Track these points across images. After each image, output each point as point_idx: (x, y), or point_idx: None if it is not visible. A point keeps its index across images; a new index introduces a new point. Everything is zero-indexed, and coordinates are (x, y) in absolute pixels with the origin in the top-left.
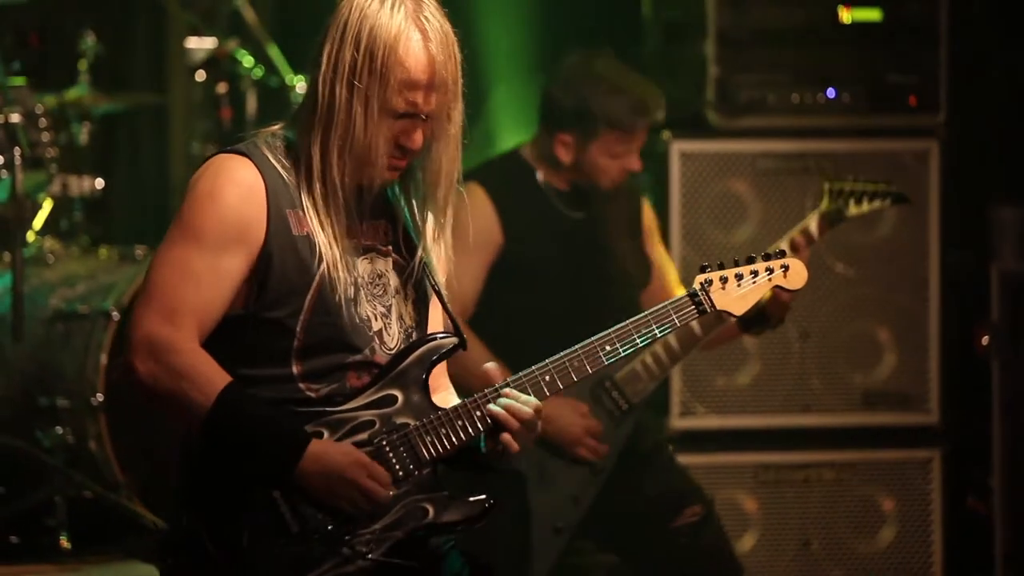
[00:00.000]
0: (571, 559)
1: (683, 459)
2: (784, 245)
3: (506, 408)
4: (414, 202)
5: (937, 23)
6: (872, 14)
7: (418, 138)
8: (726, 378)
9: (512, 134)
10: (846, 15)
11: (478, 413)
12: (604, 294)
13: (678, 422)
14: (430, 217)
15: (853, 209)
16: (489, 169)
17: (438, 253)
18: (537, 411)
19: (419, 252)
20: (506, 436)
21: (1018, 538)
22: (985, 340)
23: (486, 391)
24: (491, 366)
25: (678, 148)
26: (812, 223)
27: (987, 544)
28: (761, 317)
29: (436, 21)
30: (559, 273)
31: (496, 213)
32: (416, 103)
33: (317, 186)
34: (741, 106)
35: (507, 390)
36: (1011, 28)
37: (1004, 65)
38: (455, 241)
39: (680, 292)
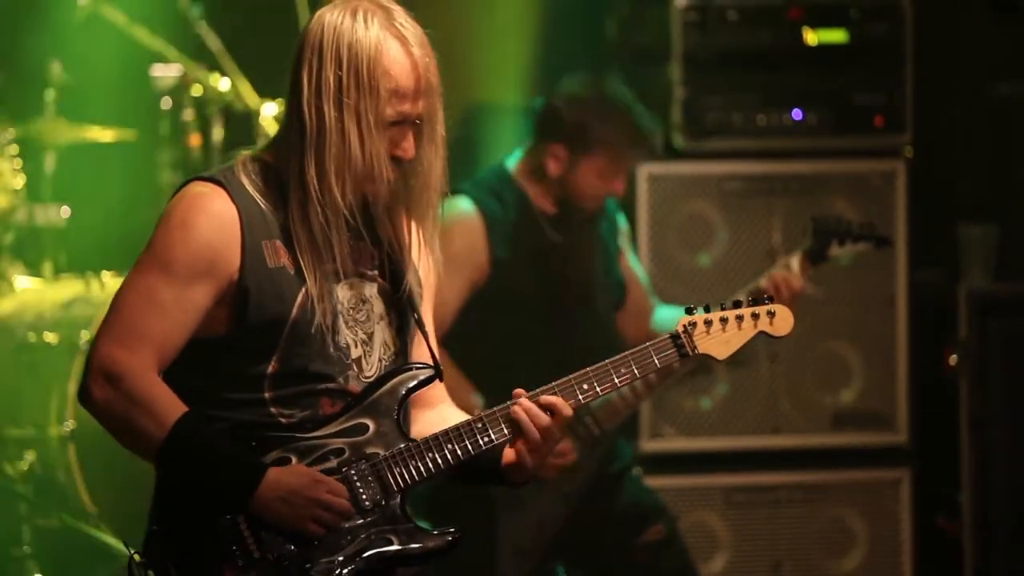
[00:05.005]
0: None
1: (652, 481)
2: (764, 282)
3: (527, 411)
4: (402, 211)
5: (903, 43)
6: (837, 35)
7: (409, 146)
8: (695, 400)
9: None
10: (811, 37)
11: (450, 447)
12: (582, 316)
13: (647, 444)
14: (415, 226)
15: (836, 249)
16: (481, 187)
17: (427, 266)
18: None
19: (407, 278)
20: (521, 448)
21: (987, 554)
22: (953, 359)
23: (459, 425)
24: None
25: (645, 171)
26: (795, 261)
27: (957, 563)
28: None
29: (411, 26)
30: (539, 296)
31: (486, 234)
32: (406, 110)
33: (317, 209)
34: (707, 128)
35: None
36: (976, 47)
37: (969, 84)
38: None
39: (653, 308)
